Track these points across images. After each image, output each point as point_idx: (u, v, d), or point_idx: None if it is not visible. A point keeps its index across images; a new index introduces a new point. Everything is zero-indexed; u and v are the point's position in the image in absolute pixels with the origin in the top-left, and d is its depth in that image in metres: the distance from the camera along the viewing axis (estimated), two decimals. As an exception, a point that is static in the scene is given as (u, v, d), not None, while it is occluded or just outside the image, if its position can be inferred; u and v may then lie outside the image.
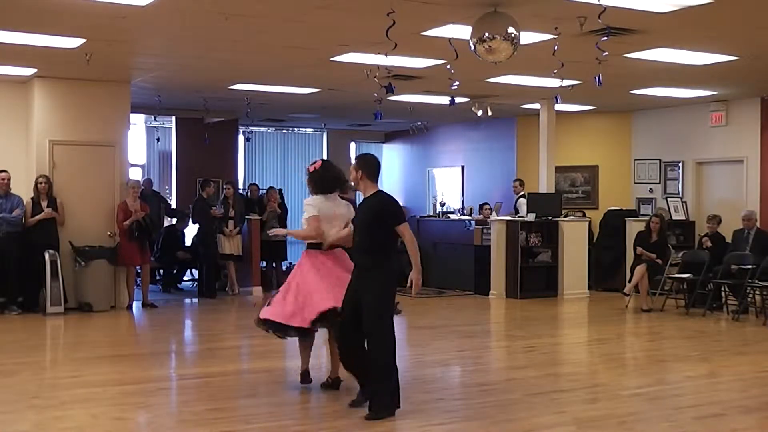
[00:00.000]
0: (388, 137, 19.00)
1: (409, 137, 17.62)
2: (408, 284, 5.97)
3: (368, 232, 5.87)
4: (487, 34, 6.87)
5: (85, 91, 11.36)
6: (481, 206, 14.62)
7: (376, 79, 8.97)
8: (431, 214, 16.25)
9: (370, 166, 6.00)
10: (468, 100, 12.79)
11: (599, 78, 7.94)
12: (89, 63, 9.56)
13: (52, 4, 7.33)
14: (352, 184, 6.16)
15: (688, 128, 13.84)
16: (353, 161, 6.12)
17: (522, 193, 13.85)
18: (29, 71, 10.77)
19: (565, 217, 13.49)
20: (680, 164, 13.97)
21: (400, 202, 18.69)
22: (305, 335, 6.61)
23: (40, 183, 10.92)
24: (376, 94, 10.08)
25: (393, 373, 5.82)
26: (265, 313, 6.51)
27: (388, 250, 5.90)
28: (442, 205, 16.61)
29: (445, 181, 17.28)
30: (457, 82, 9.17)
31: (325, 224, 6.47)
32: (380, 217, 5.84)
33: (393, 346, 5.85)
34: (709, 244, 11.84)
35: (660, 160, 14.29)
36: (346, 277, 6.14)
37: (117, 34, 8.53)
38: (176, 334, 10.36)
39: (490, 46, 6.90)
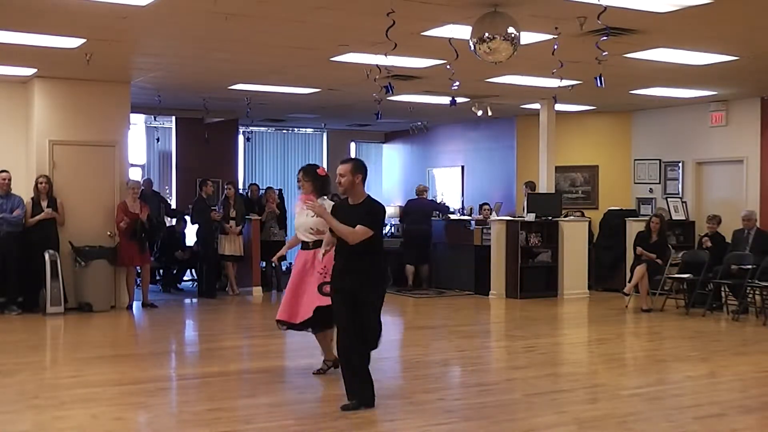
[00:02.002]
0: (388, 137, 19.01)
1: (409, 137, 17.63)
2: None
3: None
4: (487, 34, 6.87)
5: (85, 91, 11.36)
6: (480, 206, 14.63)
7: (375, 82, 8.97)
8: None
9: (366, 172, 6.09)
10: (468, 100, 12.80)
11: (601, 78, 7.92)
12: (89, 63, 9.55)
13: (52, 4, 7.33)
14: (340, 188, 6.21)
15: (688, 128, 13.84)
16: (346, 164, 6.07)
17: None
18: (29, 71, 10.77)
19: (565, 217, 13.49)
20: (680, 164, 13.97)
21: (400, 202, 18.78)
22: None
23: (41, 183, 10.92)
24: (375, 95, 10.08)
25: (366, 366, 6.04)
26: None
27: (380, 252, 6.04)
28: (442, 205, 16.61)
29: (445, 181, 17.28)
30: (457, 83, 9.17)
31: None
32: (378, 221, 5.99)
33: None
34: (709, 244, 11.83)
35: (660, 160, 14.29)
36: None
37: (117, 34, 8.53)
38: (176, 334, 10.35)
39: (490, 47, 6.90)
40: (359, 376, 5.95)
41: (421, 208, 14.33)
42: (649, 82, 11.48)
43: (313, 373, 7.07)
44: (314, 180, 6.98)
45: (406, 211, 14.42)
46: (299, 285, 6.90)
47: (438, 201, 15.63)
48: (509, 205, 14.90)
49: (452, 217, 14.72)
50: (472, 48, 7.05)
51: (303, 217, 6.95)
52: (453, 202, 16.55)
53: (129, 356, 8.31)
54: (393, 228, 16.67)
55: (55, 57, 9.62)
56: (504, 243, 12.91)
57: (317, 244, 6.79)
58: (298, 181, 7.19)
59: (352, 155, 18.44)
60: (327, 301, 6.51)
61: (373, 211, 5.98)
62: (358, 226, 5.82)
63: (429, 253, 14.00)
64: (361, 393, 5.94)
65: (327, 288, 6.62)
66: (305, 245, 6.99)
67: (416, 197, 14.64)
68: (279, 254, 7.87)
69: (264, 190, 14.31)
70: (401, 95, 12.29)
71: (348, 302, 5.94)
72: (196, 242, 13.26)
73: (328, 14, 7.52)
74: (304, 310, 6.82)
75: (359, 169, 6.01)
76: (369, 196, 6.07)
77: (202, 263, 13.02)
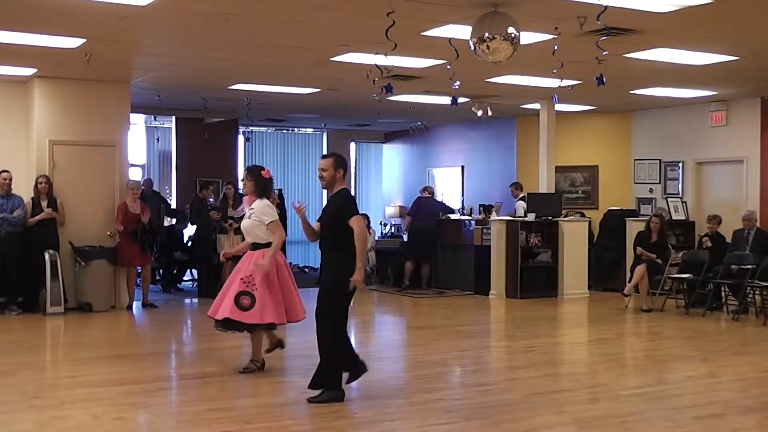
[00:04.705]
0: (388, 137, 19.01)
1: (409, 137, 17.63)
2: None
3: (333, 227, 6.08)
4: (487, 34, 6.87)
5: (85, 91, 11.36)
6: (485, 207, 14.60)
7: (375, 84, 8.97)
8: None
9: (347, 167, 6.23)
10: (468, 100, 12.80)
11: (602, 78, 7.91)
12: (89, 63, 9.56)
13: (52, 4, 7.33)
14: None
15: (688, 128, 13.84)
16: (327, 158, 6.20)
17: (521, 195, 13.87)
18: (29, 71, 10.77)
19: (565, 217, 13.49)
20: (680, 164, 13.97)
21: (400, 202, 18.72)
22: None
23: (41, 183, 10.92)
24: (375, 95, 10.08)
25: (338, 361, 6.16)
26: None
27: (352, 245, 6.09)
28: (442, 205, 16.60)
29: (445, 181, 17.28)
30: (457, 83, 9.17)
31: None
32: (343, 211, 6.02)
33: (341, 336, 6.16)
34: (709, 244, 11.83)
35: (660, 160, 14.29)
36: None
37: (117, 34, 8.53)
38: (176, 334, 10.36)
39: (490, 46, 6.90)
40: (328, 368, 6.12)
41: (431, 207, 14.42)
42: (649, 82, 11.48)
43: (239, 372, 7.15)
44: (257, 181, 7.06)
45: (418, 207, 14.40)
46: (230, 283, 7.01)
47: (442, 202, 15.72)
48: (509, 205, 14.90)
49: (453, 217, 14.74)
50: (472, 48, 7.05)
51: (246, 219, 7.09)
52: (453, 202, 16.57)
53: (129, 356, 8.31)
54: (393, 228, 16.68)
55: (55, 57, 9.62)
56: (504, 243, 12.91)
57: (259, 246, 6.94)
58: (242, 180, 7.31)
59: (352, 155, 18.50)
60: (239, 315, 6.78)
61: (341, 202, 6.08)
62: (352, 219, 5.93)
63: (434, 251, 14.08)
64: (328, 385, 6.10)
65: (245, 300, 6.78)
66: (254, 246, 7.03)
67: (426, 196, 14.74)
68: (228, 253, 7.94)
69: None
70: (401, 95, 12.29)
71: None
72: (191, 243, 13.27)
73: (328, 14, 7.52)
74: (222, 311, 6.93)
75: (341, 164, 6.16)
76: (344, 188, 6.17)
77: (200, 263, 13.01)
